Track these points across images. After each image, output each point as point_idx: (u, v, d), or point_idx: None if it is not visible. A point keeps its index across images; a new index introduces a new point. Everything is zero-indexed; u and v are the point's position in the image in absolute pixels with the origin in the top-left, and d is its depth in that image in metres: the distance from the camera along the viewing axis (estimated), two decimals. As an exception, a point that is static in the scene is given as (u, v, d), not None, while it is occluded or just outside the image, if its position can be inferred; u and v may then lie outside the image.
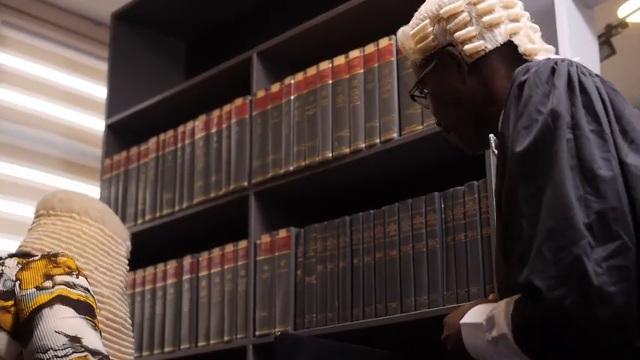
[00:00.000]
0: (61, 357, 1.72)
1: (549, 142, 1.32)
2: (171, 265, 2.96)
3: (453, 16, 1.64)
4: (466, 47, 1.62)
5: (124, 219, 3.19)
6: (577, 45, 2.44)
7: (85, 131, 3.95)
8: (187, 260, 2.91)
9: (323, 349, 1.67)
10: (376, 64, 2.47)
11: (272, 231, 2.66)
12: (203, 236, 3.02)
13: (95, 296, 1.88)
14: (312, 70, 2.65)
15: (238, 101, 2.86)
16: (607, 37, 4.29)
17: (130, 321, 2.04)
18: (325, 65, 2.60)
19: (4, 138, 3.76)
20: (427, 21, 1.68)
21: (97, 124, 3.86)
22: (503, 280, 1.44)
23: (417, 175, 2.48)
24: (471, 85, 1.63)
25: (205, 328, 2.79)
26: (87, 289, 1.86)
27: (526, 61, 1.59)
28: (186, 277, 2.90)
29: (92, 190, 3.64)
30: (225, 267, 2.77)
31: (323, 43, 2.72)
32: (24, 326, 1.77)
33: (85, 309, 1.82)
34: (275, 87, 2.75)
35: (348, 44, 2.57)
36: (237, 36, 3.52)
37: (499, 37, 1.63)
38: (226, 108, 2.90)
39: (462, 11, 1.64)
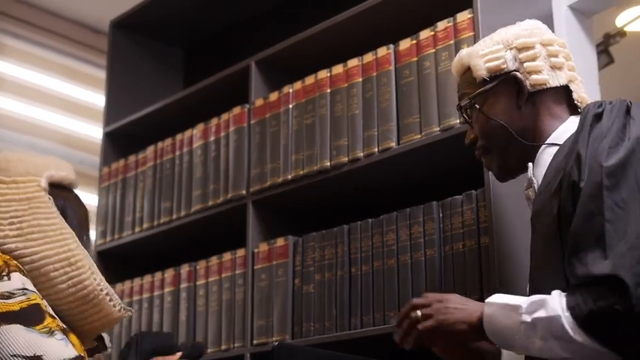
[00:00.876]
0: None
1: (635, 164, 1.51)
2: (169, 273, 2.96)
3: (527, 48, 1.82)
4: (532, 77, 1.80)
5: (121, 227, 3.19)
6: (575, 54, 2.43)
7: (84, 139, 3.95)
8: (185, 269, 2.91)
9: (320, 359, 1.66)
10: (374, 73, 2.47)
11: (270, 239, 2.65)
12: (201, 244, 3.01)
13: (33, 272, 1.76)
14: (310, 79, 2.64)
15: (236, 110, 2.86)
16: (605, 46, 4.30)
17: (98, 281, 1.86)
18: (323, 74, 2.60)
19: (3, 145, 3.76)
20: (501, 45, 1.84)
21: (95, 132, 3.86)
22: (546, 278, 1.59)
23: (415, 184, 2.48)
24: (524, 112, 1.81)
25: (203, 336, 2.78)
26: (24, 288, 1.73)
27: (577, 106, 1.82)
28: (183, 285, 2.90)
29: (90, 197, 3.63)
30: (223, 275, 2.77)
31: (321, 51, 2.72)
32: None
33: (31, 315, 1.71)
34: (273, 96, 2.75)
35: (347, 53, 2.57)
36: (235, 44, 3.52)
37: (561, 78, 1.82)
38: (224, 116, 2.90)
39: (535, 47, 1.82)
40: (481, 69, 1.84)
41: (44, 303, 1.76)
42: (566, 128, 1.75)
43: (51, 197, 1.88)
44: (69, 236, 1.85)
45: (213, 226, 2.93)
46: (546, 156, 1.74)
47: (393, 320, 2.26)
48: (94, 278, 1.84)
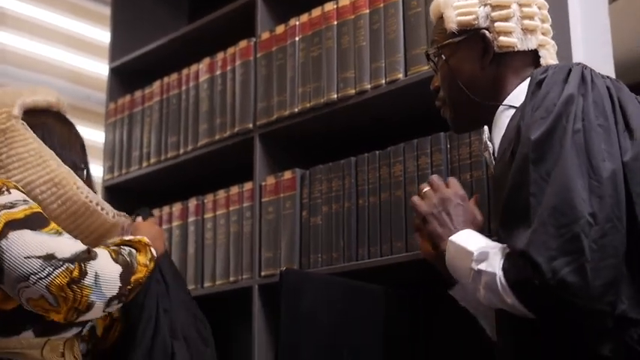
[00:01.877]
0: (45, 277, 1.71)
1: (561, 133, 1.49)
2: (177, 207, 2.97)
3: (501, 6, 1.78)
4: (501, 38, 1.76)
5: (128, 162, 3.20)
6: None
7: (90, 76, 3.95)
8: (192, 202, 2.92)
9: (328, 285, 1.68)
10: (382, 5, 2.45)
11: (277, 172, 2.66)
12: (208, 178, 3.02)
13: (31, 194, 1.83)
14: (317, 12, 2.62)
15: (242, 43, 2.85)
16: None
17: (85, 193, 1.91)
18: (330, 6, 2.58)
19: (9, 82, 3.75)
20: (477, 0, 1.80)
21: (101, 69, 3.85)
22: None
23: (422, 116, 2.46)
24: (487, 72, 1.78)
25: (211, 269, 2.81)
26: (25, 200, 1.81)
27: None
28: (191, 219, 2.91)
29: (97, 134, 3.64)
30: (231, 209, 2.78)
31: (328, -17, 2.70)
32: None
33: (36, 220, 1.78)
34: (280, 29, 2.73)
35: (354, -16, 2.55)
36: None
37: (531, 42, 1.78)
38: (230, 50, 2.89)
39: (510, 6, 1.78)
40: (452, 21, 1.81)
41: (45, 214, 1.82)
42: (522, 89, 1.71)
43: (24, 123, 1.92)
44: (48, 157, 1.89)
45: (220, 160, 2.93)
46: (505, 118, 1.72)
47: (400, 250, 2.28)
48: (81, 192, 1.89)
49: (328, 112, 2.54)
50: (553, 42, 1.84)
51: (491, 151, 1.77)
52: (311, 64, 2.60)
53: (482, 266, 1.55)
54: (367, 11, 2.48)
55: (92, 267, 1.76)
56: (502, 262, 1.52)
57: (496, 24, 1.77)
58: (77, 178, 1.91)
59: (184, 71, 3.06)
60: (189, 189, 3.03)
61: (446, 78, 1.85)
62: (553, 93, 1.55)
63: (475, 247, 1.61)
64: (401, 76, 2.36)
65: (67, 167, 1.91)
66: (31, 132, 1.92)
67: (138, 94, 3.25)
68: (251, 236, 2.69)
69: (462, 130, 1.97)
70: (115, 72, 3.44)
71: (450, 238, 1.70)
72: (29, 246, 1.73)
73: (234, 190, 2.79)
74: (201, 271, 2.84)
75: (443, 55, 1.84)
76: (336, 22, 2.55)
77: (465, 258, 1.62)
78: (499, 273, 1.50)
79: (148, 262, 1.93)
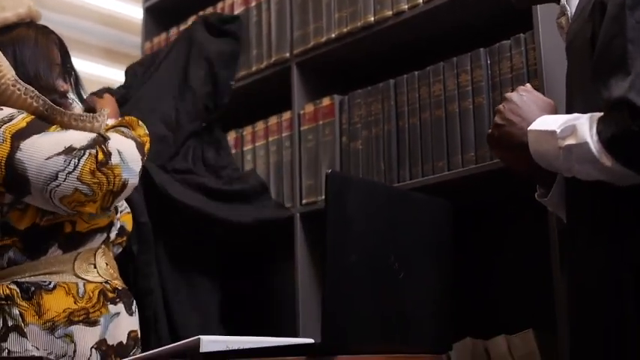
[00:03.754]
0: (74, 170, 1.74)
1: None
2: (216, 141, 2.97)
3: None
4: None
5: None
6: None
7: (124, 19, 3.94)
8: (232, 135, 2.91)
9: (373, 190, 1.67)
10: None
11: (315, 100, 2.65)
12: (247, 110, 3.01)
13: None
14: None
15: (277, -28, 2.82)
16: None
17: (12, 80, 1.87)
18: None
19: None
20: None
21: (135, 12, 3.84)
22: (582, 103, 1.57)
23: (461, 33, 2.44)
24: None
25: (252, 199, 2.80)
26: (18, 110, 1.81)
27: None
28: (232, 151, 2.91)
29: (132, 77, 3.64)
30: (270, 139, 2.78)
31: None
32: (11, 181, 1.76)
33: (39, 124, 1.80)
34: (313, -46, 2.70)
35: None
36: None
37: None
38: (265, -20, 2.86)
39: None
40: None
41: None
42: None
43: None
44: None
45: (258, 91, 2.92)
46: None
47: (441, 170, 2.26)
48: (8, 78, 1.84)
49: (365, 36, 2.52)
50: None
51: (569, 15, 1.72)
52: (347, -12, 2.57)
53: (570, 141, 1.51)
54: None
55: (112, 146, 1.80)
56: (594, 126, 1.47)
57: None
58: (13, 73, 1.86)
59: (219, 5, 3.04)
60: (228, 122, 3.01)
61: None
62: None
63: (556, 125, 1.55)
64: (439, -6, 2.33)
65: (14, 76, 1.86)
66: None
67: (173, 31, 3.24)
68: (291, 165, 2.68)
69: (524, 1, 1.91)
70: (149, 11, 3.44)
71: (530, 127, 1.63)
72: (45, 147, 1.75)
73: (273, 120, 2.78)
74: (242, 202, 2.84)
75: None
76: (371, -56, 2.52)
77: (549, 140, 1.56)
78: (592, 139, 1.46)
79: (146, 133, 1.98)
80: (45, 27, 2.07)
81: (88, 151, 1.76)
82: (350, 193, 1.54)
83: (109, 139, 1.82)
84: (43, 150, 1.75)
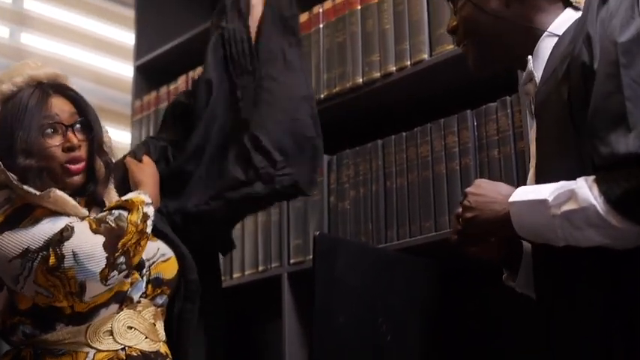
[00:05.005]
0: (28, 274, 1.73)
1: None
2: (205, 199, 2.97)
3: None
4: None
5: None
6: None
7: (115, 77, 3.97)
8: (220, 194, 2.92)
9: (361, 252, 1.68)
10: (405, -13, 2.45)
11: (304, 160, 2.66)
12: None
13: None
14: (340, -2, 2.63)
15: (267, 33, 2.85)
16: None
17: None
18: (353, -9, 2.59)
19: (34, 84, 3.77)
20: None
21: (126, 70, 3.87)
22: (561, 166, 1.52)
23: (448, 95, 2.47)
24: (513, 9, 1.70)
25: (240, 258, 2.81)
26: (6, 198, 1.81)
27: (571, 1, 1.69)
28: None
29: (123, 135, 3.66)
30: (258, 198, 2.78)
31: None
32: None
33: (16, 216, 1.78)
34: (304, 17, 2.73)
35: (376, -31, 2.55)
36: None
37: None
38: (255, 41, 2.89)
39: None
40: None
41: None
42: (564, 19, 1.67)
43: None
44: None
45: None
46: (545, 49, 1.67)
47: (428, 230, 2.27)
48: None
49: (354, 97, 2.55)
50: None
51: (536, 81, 1.69)
52: (336, 50, 2.60)
53: (568, 207, 1.45)
54: (390, -6, 2.48)
55: (68, 247, 1.72)
56: (595, 188, 1.42)
57: None
58: None
59: (209, 65, 3.06)
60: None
61: (475, 13, 1.74)
62: (627, 3, 1.48)
63: (545, 194, 1.48)
64: (426, 56, 2.36)
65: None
66: None
67: (163, 90, 3.26)
68: (279, 224, 2.69)
69: (484, 69, 1.84)
70: (140, 70, 3.46)
71: (511, 199, 1.53)
72: (9, 248, 1.74)
73: (262, 179, 2.78)
74: (229, 262, 2.84)
75: None
76: (359, 7, 2.56)
77: (538, 209, 1.48)
78: (597, 201, 1.41)
79: (139, 222, 1.81)
80: (52, 85, 2.01)
81: (40, 254, 1.72)
82: (338, 255, 1.55)
83: (68, 238, 1.73)
84: (7, 251, 1.74)
